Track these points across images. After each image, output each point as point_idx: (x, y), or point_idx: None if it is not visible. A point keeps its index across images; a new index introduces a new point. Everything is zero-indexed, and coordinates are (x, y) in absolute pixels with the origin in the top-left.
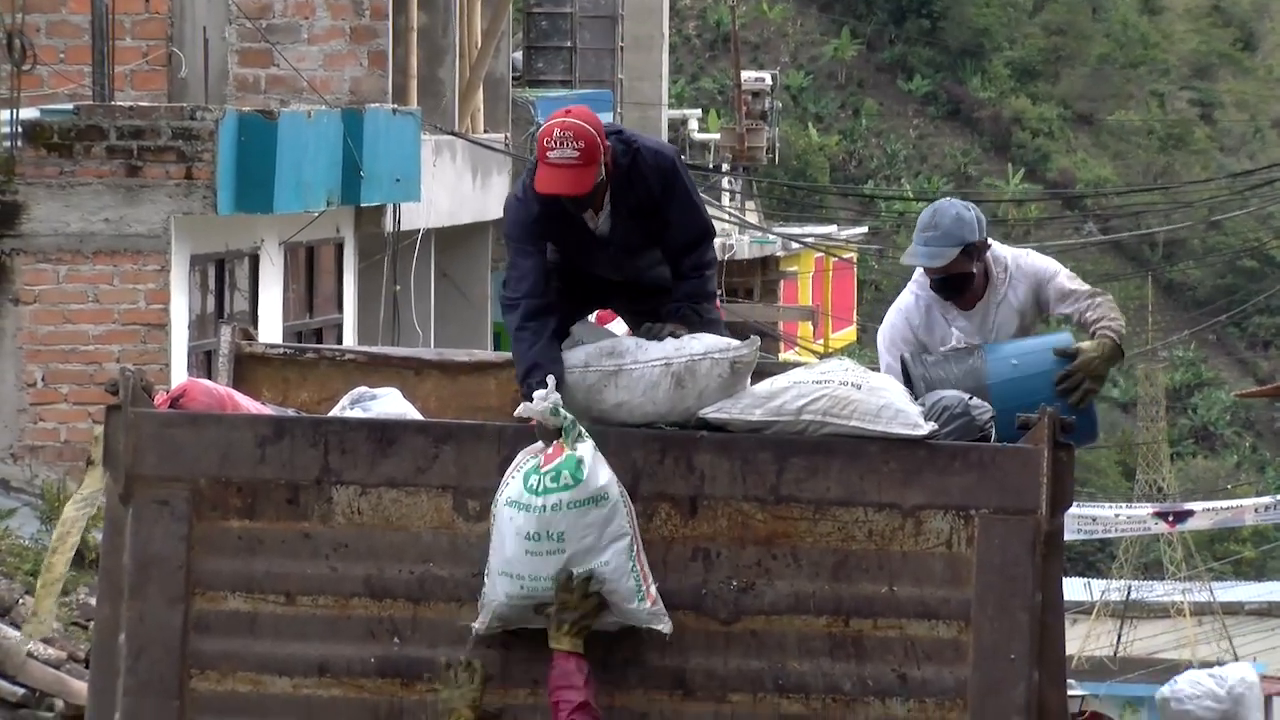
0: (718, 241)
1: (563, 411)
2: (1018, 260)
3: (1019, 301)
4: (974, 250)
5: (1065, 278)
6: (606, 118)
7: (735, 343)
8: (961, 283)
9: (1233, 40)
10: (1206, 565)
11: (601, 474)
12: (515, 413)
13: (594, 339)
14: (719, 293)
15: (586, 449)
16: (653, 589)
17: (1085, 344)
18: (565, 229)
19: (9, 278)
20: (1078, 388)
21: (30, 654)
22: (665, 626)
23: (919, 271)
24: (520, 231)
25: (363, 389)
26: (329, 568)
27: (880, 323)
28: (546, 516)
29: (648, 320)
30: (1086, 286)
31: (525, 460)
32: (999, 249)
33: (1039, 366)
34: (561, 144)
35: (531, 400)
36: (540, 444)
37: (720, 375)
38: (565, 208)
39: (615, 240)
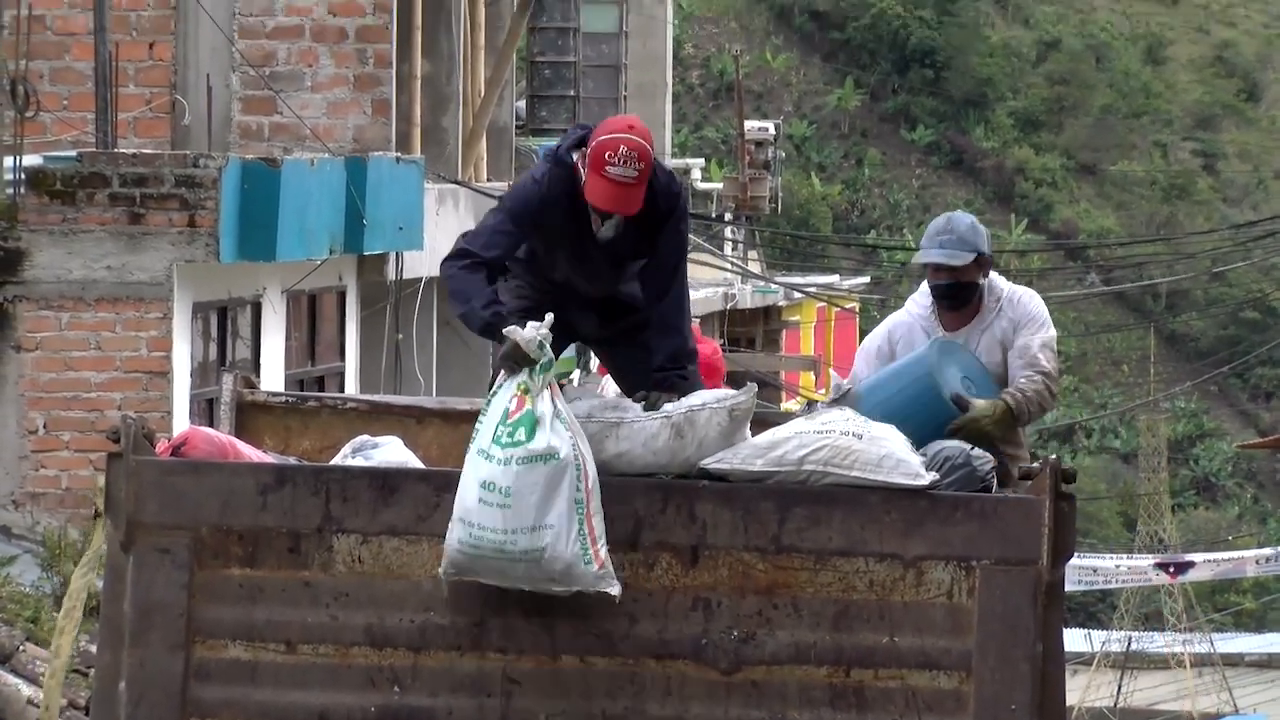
0: (719, 291)
1: (546, 351)
2: (1013, 295)
3: (1002, 333)
4: (984, 262)
5: (1041, 343)
6: None
7: (732, 392)
8: (967, 293)
9: (1236, 91)
10: (1207, 616)
11: (556, 435)
12: (504, 330)
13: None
14: (721, 341)
15: (545, 407)
16: (603, 552)
17: (979, 401)
18: (567, 224)
19: (11, 324)
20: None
21: (30, 701)
22: (614, 589)
23: (917, 294)
24: (521, 210)
25: (364, 438)
26: (330, 616)
27: None
28: (499, 469)
29: (617, 339)
30: (1049, 365)
31: (499, 405)
32: (996, 279)
33: (916, 414)
34: (626, 162)
35: (495, 319)
36: (515, 389)
37: (719, 424)
38: (584, 209)
39: (611, 248)
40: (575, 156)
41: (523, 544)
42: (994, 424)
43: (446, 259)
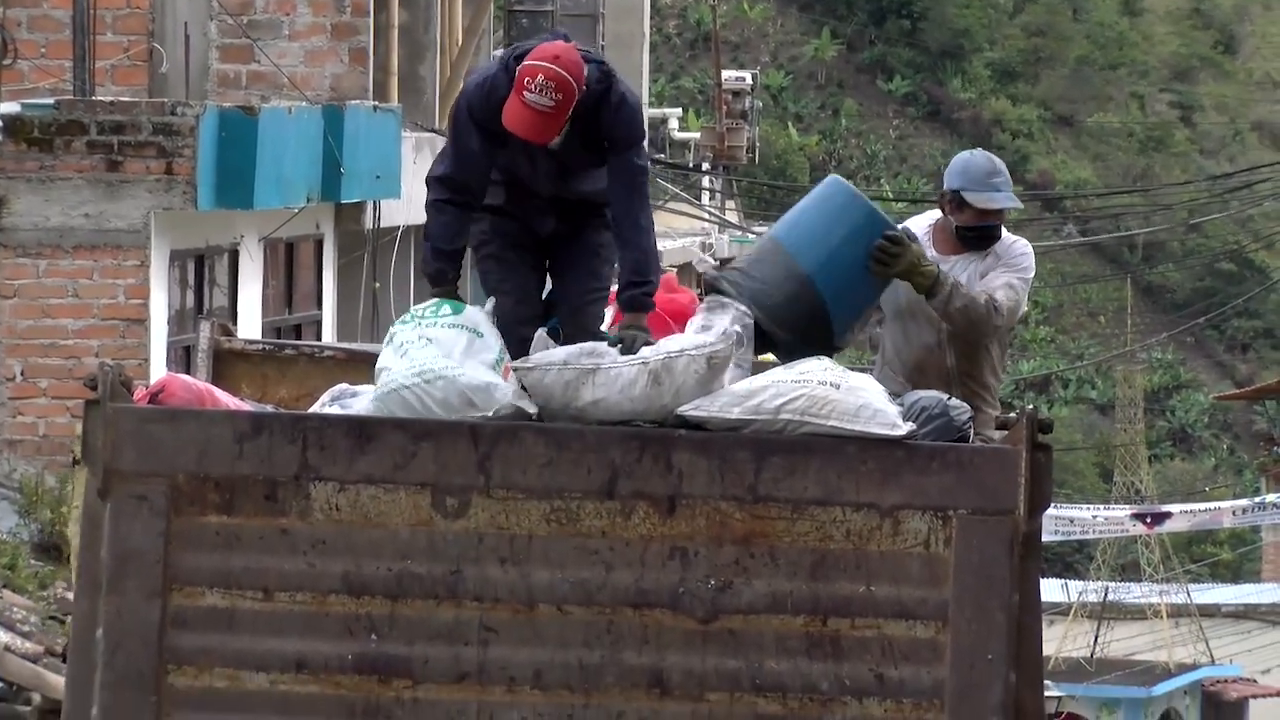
0: (697, 240)
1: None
2: (1007, 238)
3: (984, 266)
4: None
5: (1006, 281)
6: None
7: (711, 339)
8: (998, 234)
9: (1213, 43)
10: (1184, 567)
11: (484, 321)
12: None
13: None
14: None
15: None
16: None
17: (919, 249)
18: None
19: None
20: (885, 259)
21: (7, 648)
22: (531, 408)
23: (916, 220)
24: (466, 115)
25: (343, 386)
26: (307, 564)
27: None
28: (423, 327)
29: (569, 236)
30: (1001, 298)
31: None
32: None
33: (851, 239)
34: (541, 90)
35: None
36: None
37: (697, 372)
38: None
39: (560, 157)
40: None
41: (439, 369)
42: (920, 271)
43: (432, 186)
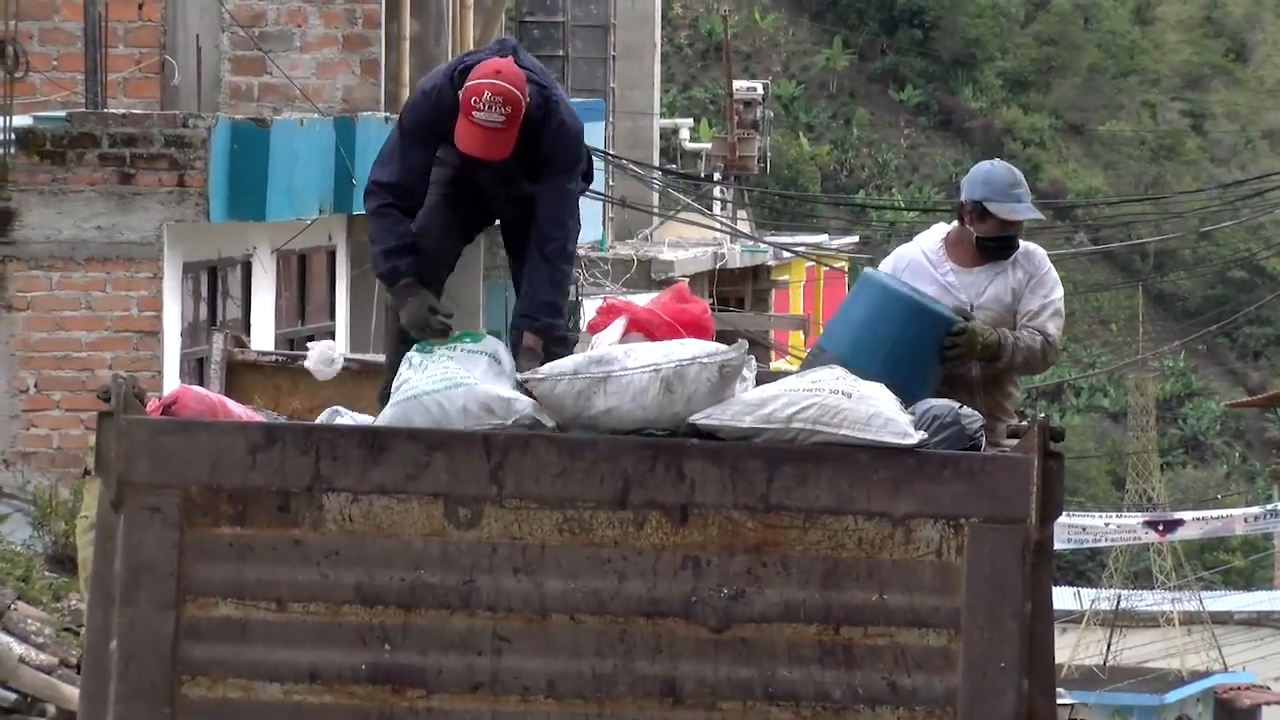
0: (708, 251)
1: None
2: (1027, 248)
3: (1016, 283)
4: None
5: (1053, 310)
6: (599, 127)
7: (724, 347)
8: (1015, 244)
9: (1224, 51)
10: (1196, 575)
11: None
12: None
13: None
14: (711, 301)
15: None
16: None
17: (977, 323)
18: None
19: (1, 285)
20: (955, 353)
21: (22, 660)
22: (549, 421)
23: (929, 233)
24: (420, 127)
25: (335, 409)
26: (320, 574)
27: None
28: (444, 350)
29: (516, 230)
30: (1054, 332)
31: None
32: None
33: (904, 334)
34: (490, 107)
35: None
36: None
37: (709, 380)
38: None
39: (502, 168)
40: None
41: (460, 379)
42: (984, 345)
43: (365, 194)
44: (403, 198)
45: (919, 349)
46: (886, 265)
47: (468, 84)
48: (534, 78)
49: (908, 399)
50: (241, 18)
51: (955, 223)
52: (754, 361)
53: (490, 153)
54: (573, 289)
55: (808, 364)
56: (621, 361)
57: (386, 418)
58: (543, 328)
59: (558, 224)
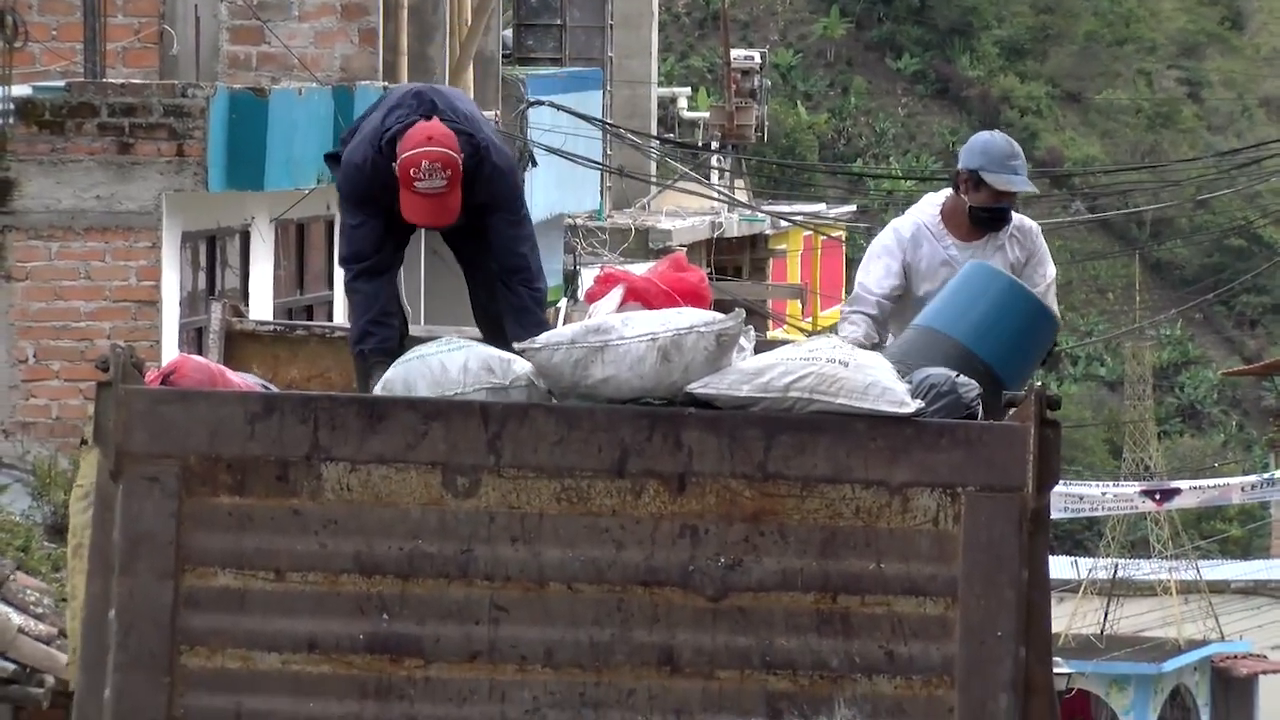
0: (706, 220)
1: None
2: (1022, 222)
3: (1014, 257)
4: None
5: (1049, 286)
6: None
7: (721, 316)
8: (1008, 216)
9: (1220, 19)
10: (1193, 543)
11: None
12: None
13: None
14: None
15: None
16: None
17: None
18: (395, 201)
19: (0, 254)
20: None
21: (20, 630)
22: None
23: (924, 203)
24: (360, 196)
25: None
26: (318, 544)
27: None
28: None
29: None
30: (1055, 310)
31: None
32: None
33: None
34: (430, 175)
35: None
36: None
37: (706, 349)
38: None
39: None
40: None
41: (460, 343)
42: None
43: (341, 266)
44: (371, 261)
45: (1037, 349)
46: (887, 239)
47: (402, 156)
48: (459, 128)
49: (1005, 363)
50: None
51: (950, 191)
52: (753, 332)
53: (439, 220)
54: (570, 258)
55: (909, 343)
56: (619, 330)
57: (389, 376)
58: None
59: (518, 257)
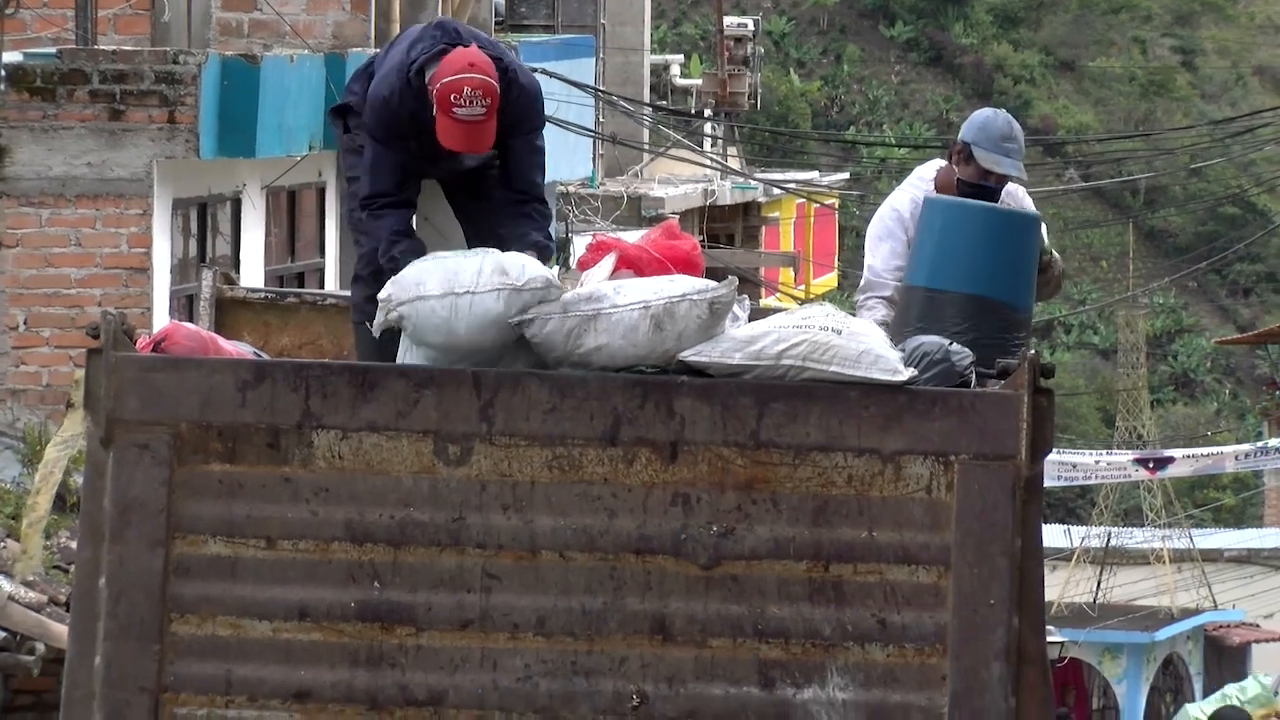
0: (699, 188)
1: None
2: (1013, 190)
3: None
4: None
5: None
6: (588, 64)
7: (714, 284)
8: (994, 197)
9: None
10: (1186, 512)
11: None
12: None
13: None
14: (701, 238)
15: None
16: None
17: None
18: (421, 134)
19: None
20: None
21: (11, 597)
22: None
23: (922, 173)
24: (387, 132)
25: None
26: (309, 512)
27: (860, 268)
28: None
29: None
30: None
31: None
32: None
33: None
34: (471, 102)
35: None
36: None
37: (699, 316)
38: (426, 120)
39: (465, 153)
40: (426, 78)
41: (478, 251)
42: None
43: (352, 207)
44: (395, 196)
45: (1029, 254)
46: (888, 219)
47: (442, 82)
48: (489, 53)
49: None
50: None
51: (943, 163)
52: (747, 300)
53: (476, 146)
54: (562, 225)
55: (923, 311)
56: (611, 299)
57: (401, 275)
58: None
59: (535, 184)
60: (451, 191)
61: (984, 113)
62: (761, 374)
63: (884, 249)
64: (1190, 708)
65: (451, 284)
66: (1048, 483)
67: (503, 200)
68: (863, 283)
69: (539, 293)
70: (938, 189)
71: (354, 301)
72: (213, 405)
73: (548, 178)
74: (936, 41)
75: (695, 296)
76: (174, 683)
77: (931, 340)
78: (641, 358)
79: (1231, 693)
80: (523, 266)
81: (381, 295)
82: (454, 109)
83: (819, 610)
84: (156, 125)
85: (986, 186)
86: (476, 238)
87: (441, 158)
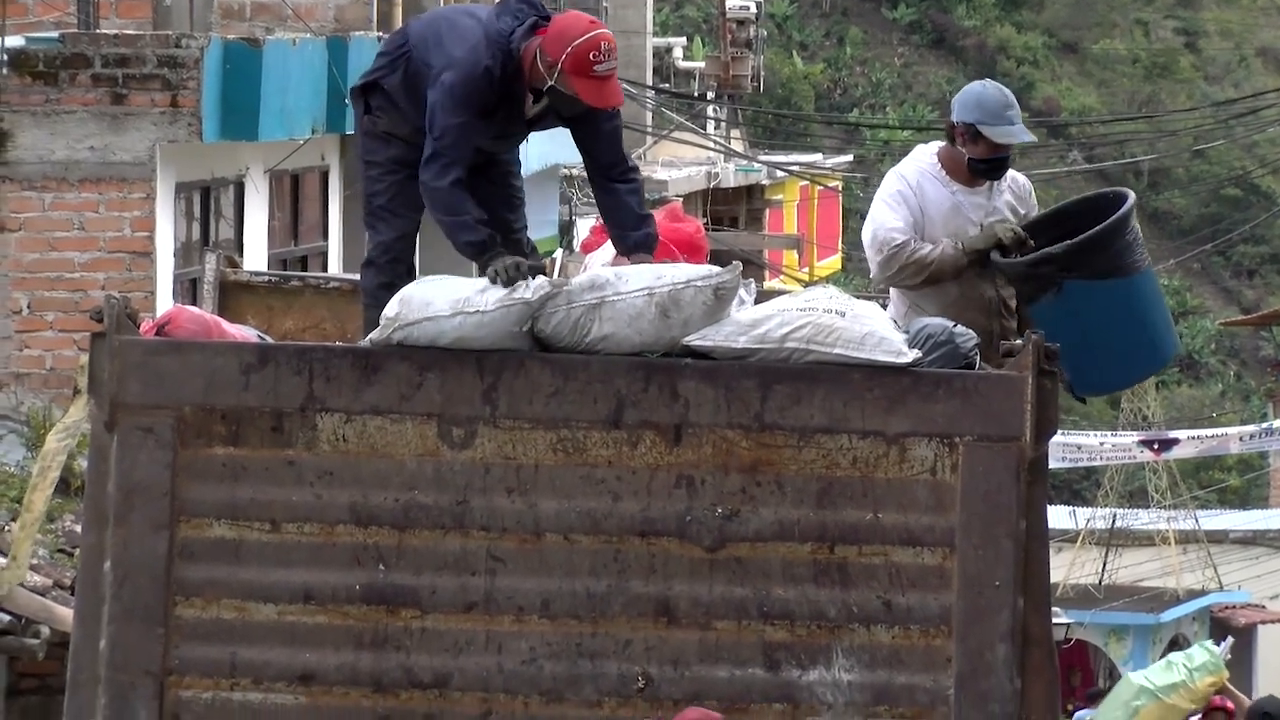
0: (702, 170)
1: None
2: (1015, 176)
3: (1009, 206)
4: None
5: None
6: None
7: (718, 269)
8: (1007, 165)
9: None
10: (1191, 493)
11: None
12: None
13: None
14: (705, 220)
15: None
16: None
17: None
18: (502, 104)
19: None
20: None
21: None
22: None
23: (922, 152)
24: (477, 101)
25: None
26: (314, 495)
27: (864, 250)
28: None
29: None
30: None
31: None
32: None
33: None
34: (608, 56)
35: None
36: None
37: (705, 302)
38: (515, 92)
39: (534, 124)
40: (530, 43)
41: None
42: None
43: (430, 166)
44: (466, 165)
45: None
46: (896, 185)
47: (577, 42)
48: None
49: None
50: None
51: (941, 143)
52: (753, 285)
53: (619, 98)
54: (566, 208)
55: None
56: (615, 285)
57: (406, 293)
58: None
59: (622, 152)
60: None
61: (973, 89)
62: (765, 357)
63: (892, 216)
64: (1133, 676)
65: (460, 304)
66: (1052, 464)
67: (600, 171)
68: (880, 238)
69: (547, 298)
70: (943, 164)
71: (365, 286)
72: (216, 388)
73: (551, 161)
74: (939, 24)
75: (700, 283)
76: (179, 666)
77: (935, 322)
78: (648, 345)
79: (1178, 660)
80: (526, 279)
81: (388, 313)
82: (594, 66)
83: (824, 592)
84: (159, 109)
85: (1000, 159)
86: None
87: (512, 134)
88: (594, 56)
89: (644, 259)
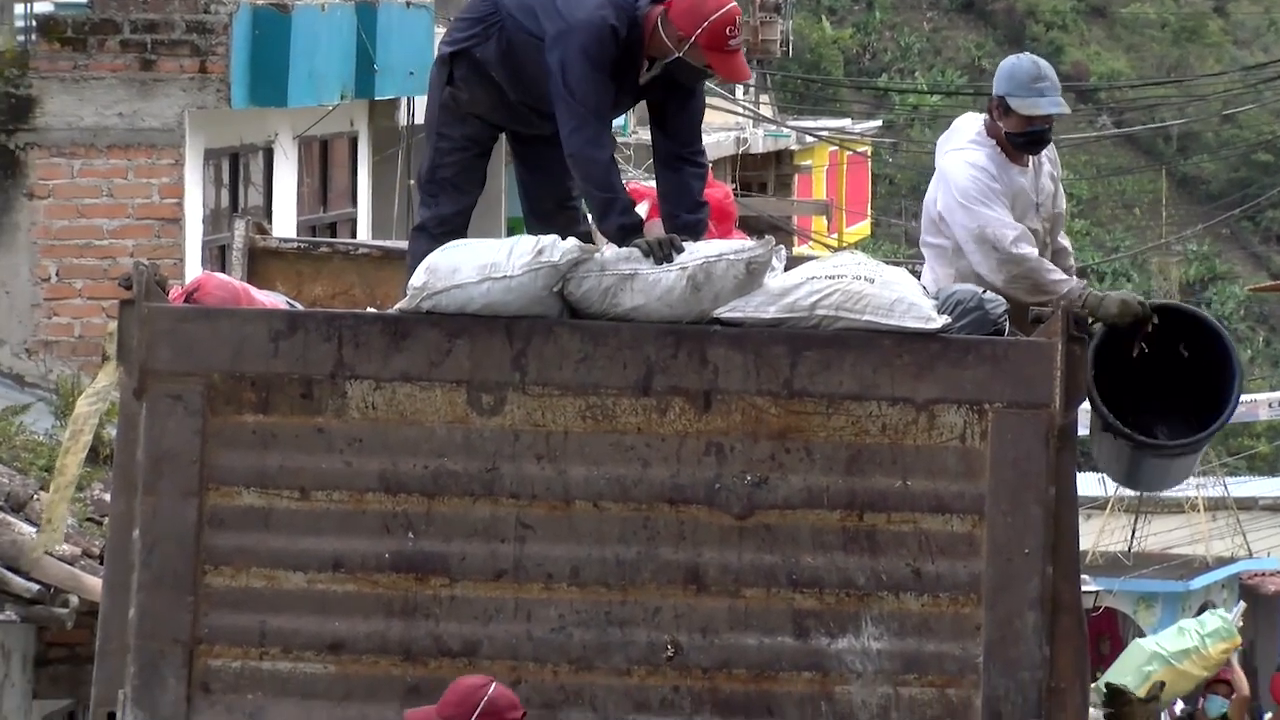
0: (731, 135)
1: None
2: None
3: (1048, 174)
4: None
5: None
6: None
7: (750, 243)
8: (1046, 137)
9: None
10: (1220, 460)
11: None
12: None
13: None
14: (734, 186)
15: None
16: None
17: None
18: (618, 68)
19: (23, 172)
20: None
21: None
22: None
23: (974, 132)
24: (604, 59)
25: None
26: (343, 462)
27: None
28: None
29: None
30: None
31: None
32: None
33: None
34: (740, 30)
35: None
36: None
37: (736, 277)
38: (634, 58)
39: (639, 94)
40: (651, 11)
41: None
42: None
43: (580, 133)
44: (605, 117)
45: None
46: (981, 178)
47: (714, 16)
48: None
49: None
50: None
51: (982, 117)
52: (784, 250)
53: (748, 72)
54: None
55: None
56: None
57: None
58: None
59: (699, 134)
60: (522, 145)
61: (1008, 62)
62: (795, 325)
63: (997, 211)
64: (1145, 642)
65: (487, 270)
66: (1082, 431)
67: (671, 153)
68: (996, 233)
69: (575, 262)
70: (1001, 148)
71: (415, 251)
72: (245, 356)
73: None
74: None
75: (732, 256)
76: (208, 634)
77: (965, 288)
78: (678, 317)
79: (1190, 626)
80: (554, 242)
81: (415, 283)
82: (729, 41)
83: (853, 559)
84: (188, 75)
85: (1035, 131)
86: (538, 197)
87: (621, 102)
88: (730, 31)
89: (686, 240)
